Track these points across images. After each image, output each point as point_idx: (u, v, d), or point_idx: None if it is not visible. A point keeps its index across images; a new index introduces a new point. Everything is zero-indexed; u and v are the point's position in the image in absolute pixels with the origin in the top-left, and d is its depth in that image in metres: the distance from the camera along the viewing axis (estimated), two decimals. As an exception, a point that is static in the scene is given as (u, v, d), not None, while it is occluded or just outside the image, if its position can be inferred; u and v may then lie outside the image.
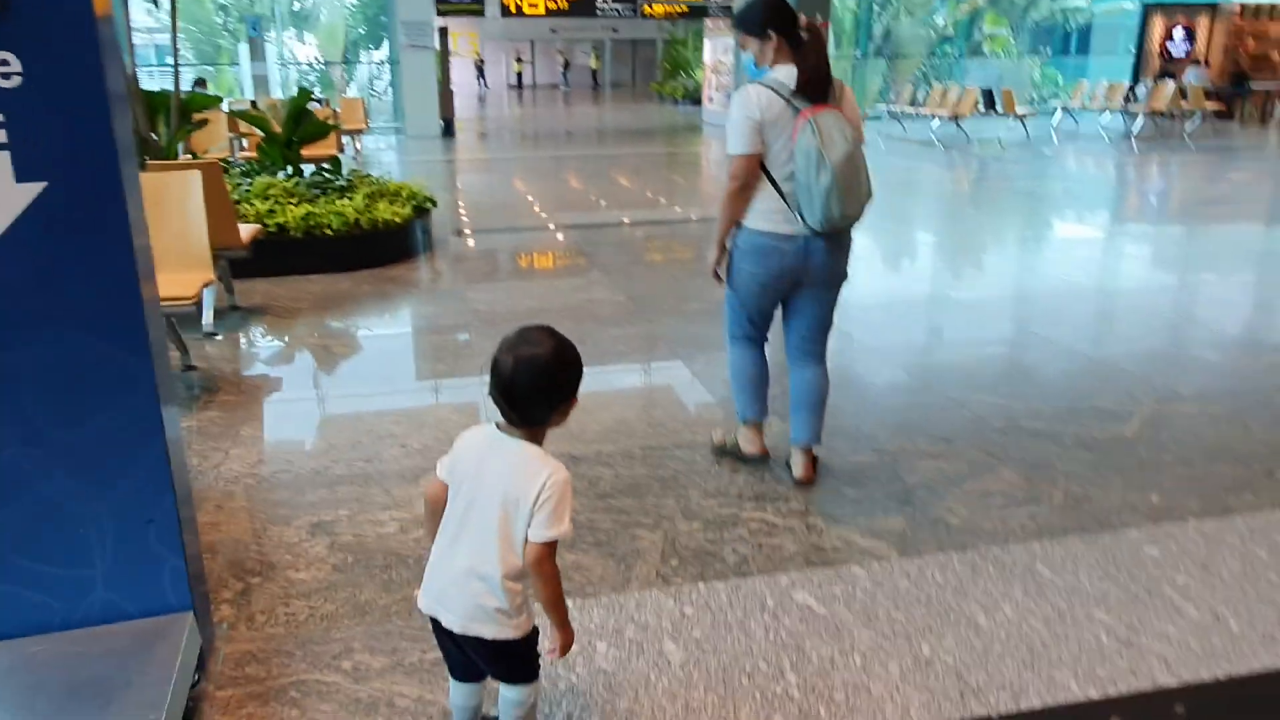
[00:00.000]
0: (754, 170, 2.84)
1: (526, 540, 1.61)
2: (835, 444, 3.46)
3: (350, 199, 6.44)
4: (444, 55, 16.45)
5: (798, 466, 3.15)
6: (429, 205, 7.08)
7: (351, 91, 24.17)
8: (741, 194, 2.88)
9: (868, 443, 3.50)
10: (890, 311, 5.54)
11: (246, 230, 5.07)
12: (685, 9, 19.34)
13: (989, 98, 18.23)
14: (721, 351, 3.39)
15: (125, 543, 2.02)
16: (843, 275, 3.02)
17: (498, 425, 1.71)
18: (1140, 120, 17.16)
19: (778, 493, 3.10)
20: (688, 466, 3.30)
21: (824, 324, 3.08)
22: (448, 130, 16.92)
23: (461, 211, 9.07)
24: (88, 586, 2.03)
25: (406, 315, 5.48)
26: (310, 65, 24.54)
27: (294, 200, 6.31)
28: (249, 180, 6.52)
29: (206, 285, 4.01)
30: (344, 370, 4.48)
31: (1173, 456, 3.36)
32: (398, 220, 6.45)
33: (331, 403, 4.08)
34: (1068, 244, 7.88)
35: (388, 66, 18.74)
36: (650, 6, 18.79)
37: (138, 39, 13.06)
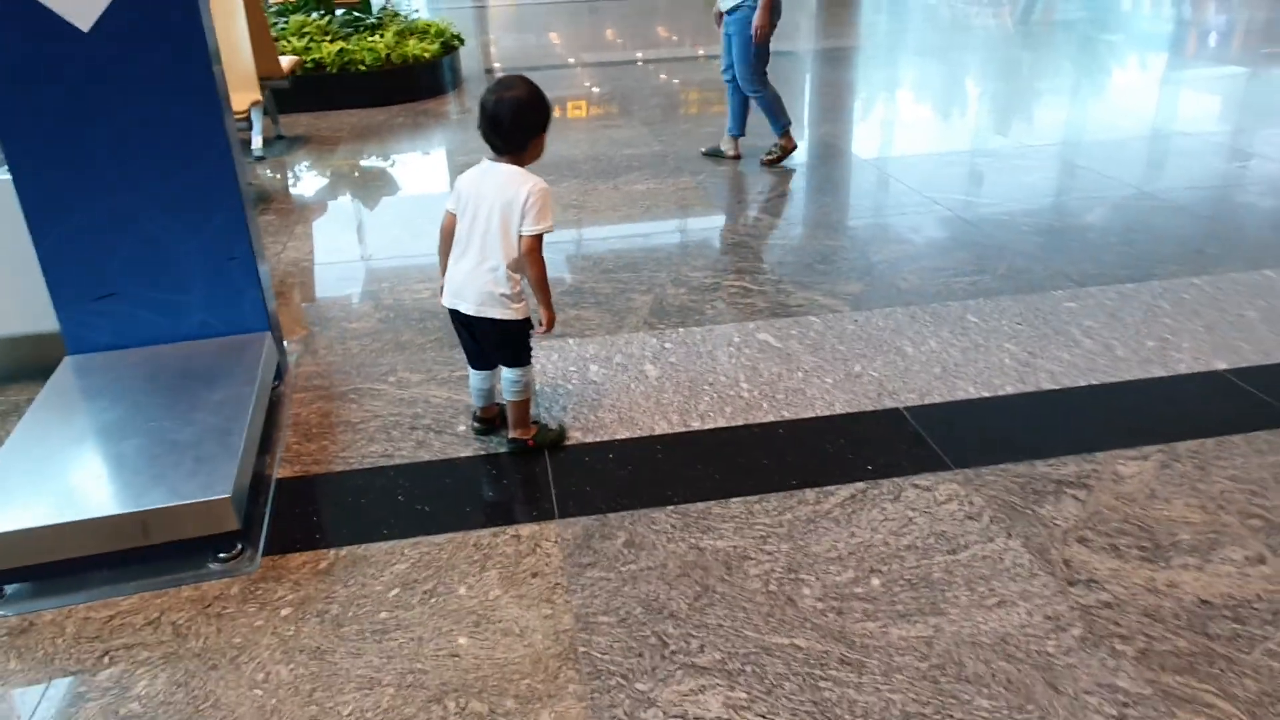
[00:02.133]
0: None
1: (520, 236, 2.11)
2: (815, 233, 3.90)
3: (381, 36, 6.76)
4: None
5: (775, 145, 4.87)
6: (456, 43, 7.36)
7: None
8: None
9: (845, 232, 3.93)
10: (896, 129, 5.83)
11: (286, 61, 5.47)
12: None
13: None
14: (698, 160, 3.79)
15: (214, 274, 2.57)
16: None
17: (487, 159, 2.18)
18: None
19: (757, 267, 3.57)
20: (680, 249, 3.78)
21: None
22: (477, -24, 16.69)
23: (489, 52, 9.30)
24: (188, 309, 2.59)
25: (436, 142, 5.89)
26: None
27: (328, 37, 6.65)
28: (284, 19, 6.84)
29: (254, 105, 4.46)
30: (381, 186, 4.96)
31: (1118, 239, 3.74)
32: (427, 56, 6.77)
33: (371, 212, 4.58)
34: (1095, 71, 7.92)
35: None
36: None
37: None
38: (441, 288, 2.27)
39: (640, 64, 8.47)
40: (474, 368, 2.40)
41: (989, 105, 6.70)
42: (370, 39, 6.64)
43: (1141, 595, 1.83)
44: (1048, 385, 2.64)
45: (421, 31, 7.15)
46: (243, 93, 4.46)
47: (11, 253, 2.52)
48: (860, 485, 2.22)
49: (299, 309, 3.36)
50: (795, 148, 4.90)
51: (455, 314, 2.27)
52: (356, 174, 5.11)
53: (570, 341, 3.00)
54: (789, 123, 4.81)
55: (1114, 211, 4.07)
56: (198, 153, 2.44)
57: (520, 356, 2.32)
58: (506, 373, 2.34)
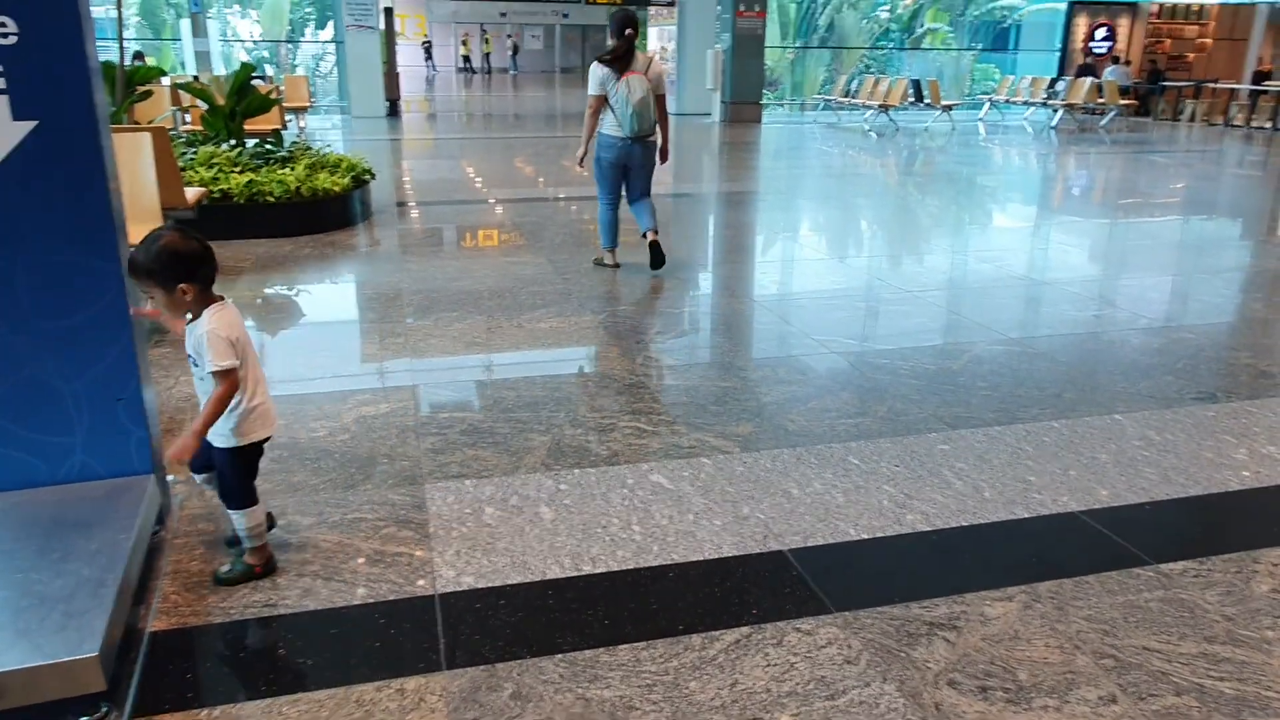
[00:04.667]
0: (599, 103, 5.51)
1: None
2: (709, 374, 4.07)
3: (292, 169, 6.88)
4: (389, 36, 16.74)
5: (649, 240, 5.78)
6: (367, 177, 7.54)
7: (299, 70, 24.27)
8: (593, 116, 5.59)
9: (737, 373, 4.12)
10: (788, 271, 6.19)
11: (192, 193, 5.50)
12: (629, -4, 19.79)
13: (917, 89, 19.09)
14: (600, 298, 3.96)
15: (99, 416, 2.53)
16: (652, 163, 5.70)
17: None
18: (1059, 114, 18.15)
19: (652, 408, 3.69)
20: (580, 389, 3.88)
21: (646, 187, 5.81)
22: (393, 110, 17.24)
23: (401, 186, 9.52)
24: (69, 451, 2.53)
25: (340, 273, 5.95)
26: (255, 43, 24.53)
27: (237, 169, 6.73)
28: (193, 150, 6.91)
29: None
30: (282, 317, 4.97)
31: (985, 383, 4.03)
32: (337, 189, 6.91)
33: (271, 342, 4.57)
34: (967, 222, 8.62)
35: (334, 46, 18.92)
36: (593, -7, 19.21)
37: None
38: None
39: (549, 200, 8.81)
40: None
41: (875, 250, 7.19)
42: (280, 171, 6.75)
43: (1006, 738, 1.92)
44: (922, 526, 2.79)
45: (333, 165, 7.31)
46: (144, 224, 4.45)
47: (-121, 393, 2.44)
48: (745, 630, 2.27)
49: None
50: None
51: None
52: (258, 303, 5.11)
53: (467, 483, 3.02)
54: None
55: (983, 356, 4.38)
56: (90, 294, 2.44)
57: (230, 493, 2.38)
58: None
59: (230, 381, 2.24)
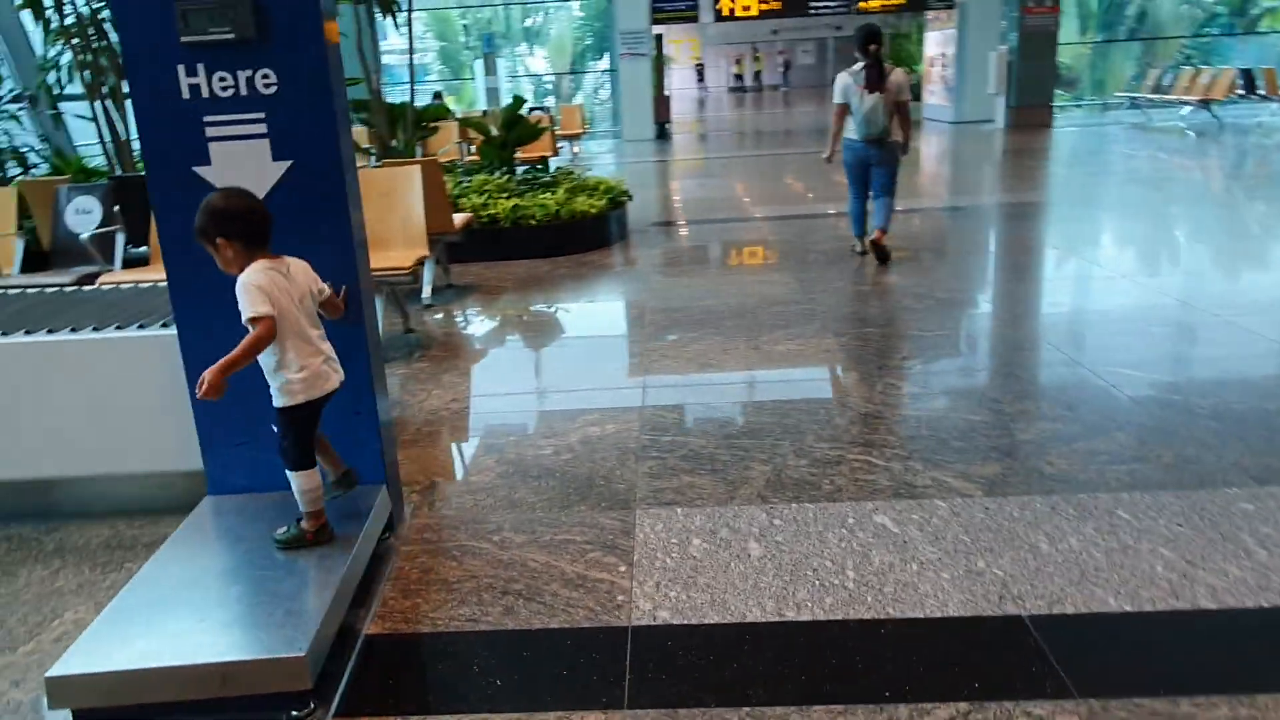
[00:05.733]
0: (844, 110, 6.19)
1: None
2: (957, 405, 3.69)
3: (553, 193, 7.25)
4: (659, 62, 17.33)
5: (872, 239, 6.23)
6: (624, 199, 7.77)
7: (577, 99, 25.90)
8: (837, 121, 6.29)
9: (990, 405, 3.69)
10: (1068, 289, 5.53)
11: (460, 218, 5.95)
12: (903, 0, 18.99)
13: (1249, 79, 16.55)
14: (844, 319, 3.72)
15: (340, 427, 2.73)
16: (890, 162, 6.19)
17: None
18: None
19: (886, 441, 3.40)
20: (810, 417, 3.67)
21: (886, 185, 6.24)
22: (662, 133, 17.80)
23: (661, 205, 9.74)
24: (315, 458, 2.76)
25: (592, 292, 6.15)
26: (539, 76, 26.52)
27: (505, 195, 7.21)
28: (469, 178, 7.50)
29: (422, 260, 4.85)
30: (533, 335, 5.21)
31: (1313, 428, 3.30)
32: (594, 211, 7.18)
33: (517, 361, 4.79)
34: (1297, 231, 7.27)
35: (609, 75, 19.96)
36: (866, 1, 18.66)
37: (392, 59, 14.89)
38: None
39: (807, 216, 8.59)
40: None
41: (1182, 267, 6.25)
42: (542, 196, 7.14)
43: None
44: (1207, 603, 2.30)
45: (592, 188, 7.61)
46: (412, 250, 4.86)
47: (173, 398, 2.81)
48: (963, 706, 1.98)
49: (429, 458, 3.50)
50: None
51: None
52: (512, 323, 5.40)
53: (678, 511, 2.94)
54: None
55: (1312, 395, 3.60)
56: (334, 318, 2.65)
57: (283, 452, 2.41)
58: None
59: (262, 328, 2.25)
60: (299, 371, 2.37)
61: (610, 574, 2.58)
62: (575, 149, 14.99)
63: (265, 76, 2.46)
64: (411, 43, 7.66)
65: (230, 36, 2.40)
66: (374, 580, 2.59)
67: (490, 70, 16.64)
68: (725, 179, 12.00)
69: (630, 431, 3.61)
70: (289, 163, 2.52)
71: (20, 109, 9.23)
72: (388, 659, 2.28)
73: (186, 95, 2.46)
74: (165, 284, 2.73)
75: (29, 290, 3.61)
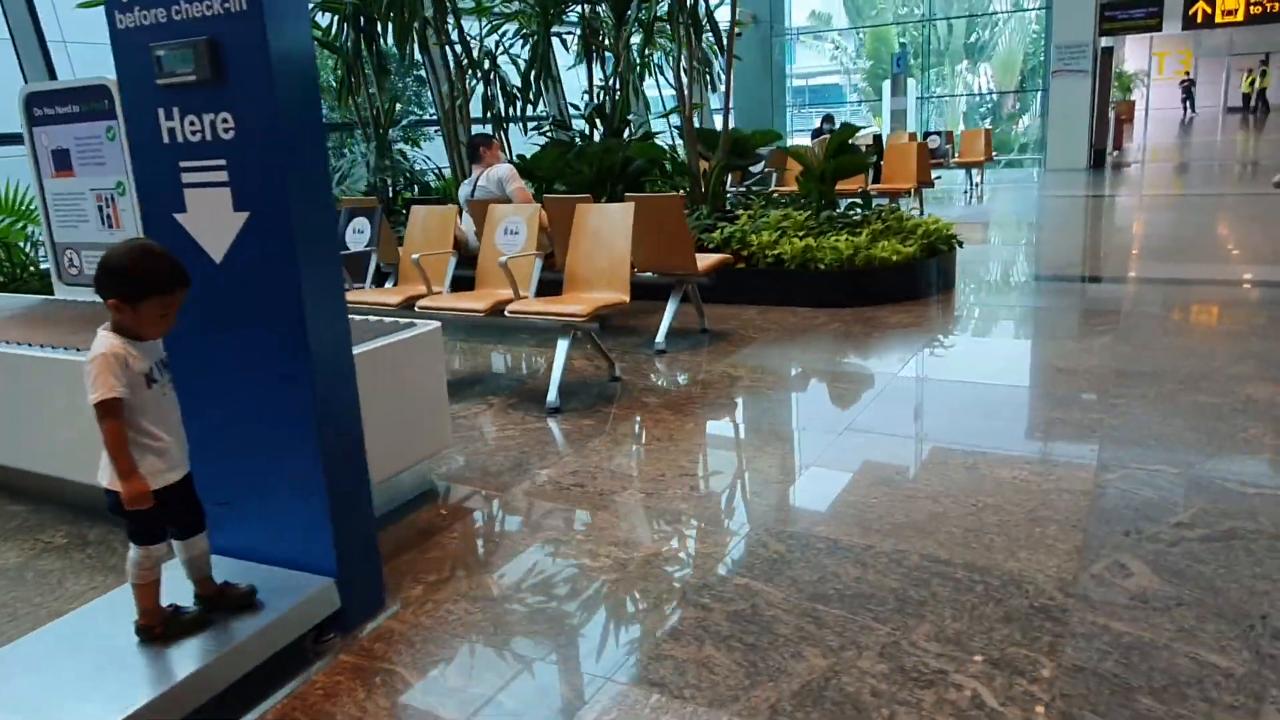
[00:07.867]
0: None
1: None
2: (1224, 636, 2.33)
3: (856, 234, 6.37)
4: (1103, 80, 14.81)
5: None
6: (946, 246, 6.58)
7: (1023, 121, 23.32)
8: None
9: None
10: None
11: (709, 259, 5.42)
12: None
13: None
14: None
15: (282, 506, 2.45)
16: None
17: None
18: None
19: (1026, 659, 2.23)
20: (951, 592, 2.58)
21: None
22: (1097, 162, 15.26)
23: (1040, 253, 8.18)
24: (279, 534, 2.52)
25: (846, 357, 5.19)
26: (972, 95, 24.40)
27: (802, 233, 6.48)
28: (768, 212, 6.90)
29: (606, 307, 4.38)
30: (733, 401, 4.50)
31: None
32: (894, 260, 6.15)
33: (691, 431, 4.14)
34: None
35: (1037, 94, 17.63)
36: None
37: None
38: None
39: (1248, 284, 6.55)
40: None
41: None
42: (839, 237, 6.30)
43: None
44: None
45: (908, 231, 6.56)
46: (612, 290, 4.48)
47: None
48: None
49: (464, 547, 3.10)
50: None
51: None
52: (731, 386, 4.72)
53: (652, 696, 2.17)
54: None
55: None
56: (275, 397, 2.37)
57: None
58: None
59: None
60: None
61: None
62: (976, 179, 13.40)
63: (224, 120, 2.25)
64: (730, 64, 7.27)
65: (193, 78, 2.23)
66: (276, 686, 2.27)
67: (898, 91, 15.60)
68: (1165, 222, 9.76)
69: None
70: (247, 214, 2.29)
71: (437, 132, 10.68)
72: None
73: (166, 140, 2.35)
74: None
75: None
